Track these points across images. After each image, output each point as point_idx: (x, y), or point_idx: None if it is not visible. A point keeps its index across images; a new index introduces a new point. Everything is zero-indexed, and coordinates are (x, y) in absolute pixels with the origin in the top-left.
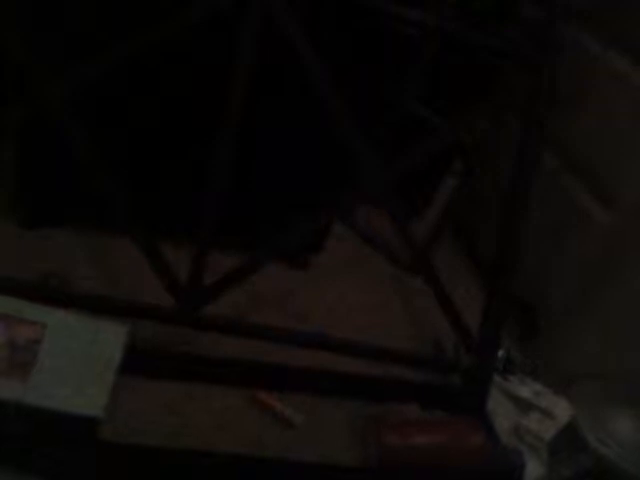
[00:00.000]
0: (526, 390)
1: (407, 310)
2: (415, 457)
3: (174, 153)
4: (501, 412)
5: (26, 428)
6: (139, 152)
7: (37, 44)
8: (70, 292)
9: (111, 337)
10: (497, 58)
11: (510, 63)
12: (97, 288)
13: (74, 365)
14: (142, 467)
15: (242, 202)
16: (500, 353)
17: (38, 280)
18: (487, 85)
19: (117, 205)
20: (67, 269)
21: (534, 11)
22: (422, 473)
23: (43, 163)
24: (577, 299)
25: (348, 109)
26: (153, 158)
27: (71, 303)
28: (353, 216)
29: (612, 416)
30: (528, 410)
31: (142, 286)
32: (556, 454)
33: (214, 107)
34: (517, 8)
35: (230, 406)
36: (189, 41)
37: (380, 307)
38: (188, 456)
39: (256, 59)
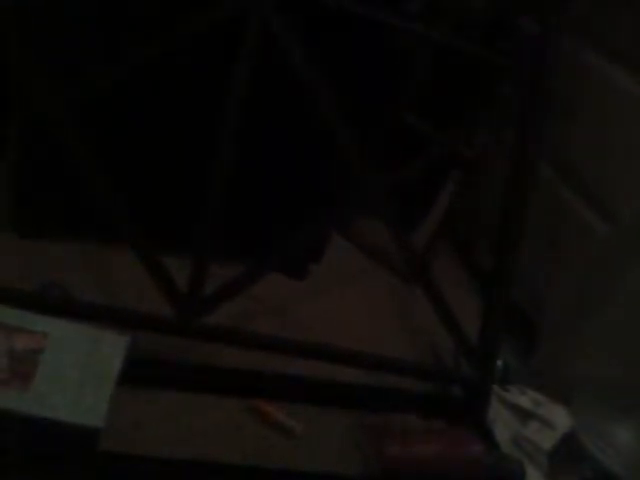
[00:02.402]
0: (526, 400)
1: (406, 320)
2: (415, 467)
3: (174, 163)
4: (501, 422)
5: (26, 438)
6: (139, 162)
7: (37, 55)
8: (70, 302)
9: (111, 347)
10: (493, 69)
11: (506, 74)
12: (97, 298)
13: (74, 375)
14: (142, 477)
15: (242, 212)
16: (499, 363)
17: (38, 290)
18: (483, 96)
19: (117, 215)
20: (67, 279)
21: (530, 22)
22: None
23: (43, 173)
24: (575, 309)
25: (345, 121)
26: (153, 168)
27: (71, 313)
28: (351, 227)
29: (612, 425)
30: (528, 420)
31: (142, 296)
32: (556, 463)
33: (214, 117)
34: (513, 20)
35: (230, 416)
36: (187, 54)
37: (379, 317)
38: (188, 466)
39: (255, 69)
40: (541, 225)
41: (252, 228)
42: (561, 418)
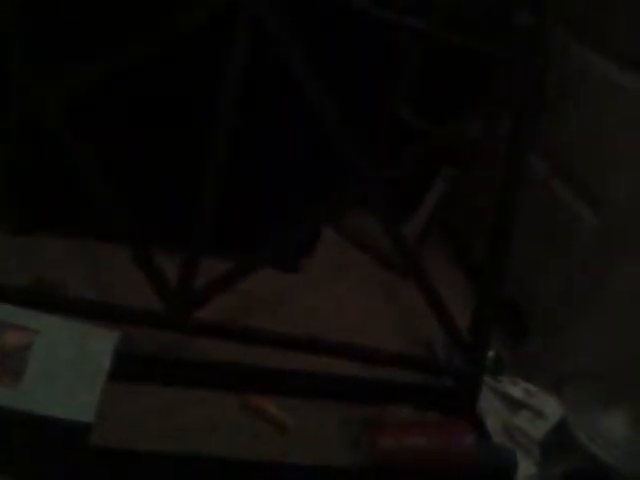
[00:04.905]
0: (517, 390)
1: (398, 313)
2: (408, 458)
3: (166, 158)
4: (492, 412)
5: (17, 434)
6: (131, 157)
7: (33, 48)
8: (61, 298)
9: (102, 342)
10: (487, 64)
11: (499, 68)
12: (88, 293)
13: (64, 371)
14: (134, 473)
15: (234, 207)
16: (490, 354)
17: (29, 286)
18: (477, 90)
19: (109, 210)
20: (58, 275)
21: (524, 17)
22: (415, 474)
23: (35, 168)
24: (567, 300)
25: (338, 114)
26: (145, 162)
27: (62, 309)
28: (344, 220)
29: (603, 415)
30: (519, 410)
31: (133, 291)
32: (547, 453)
33: (207, 112)
34: (507, 14)
35: (222, 410)
36: (182, 47)
37: (371, 310)
38: (180, 461)
39: (249, 63)
40: (533, 218)
41: (244, 222)
42: (552, 408)
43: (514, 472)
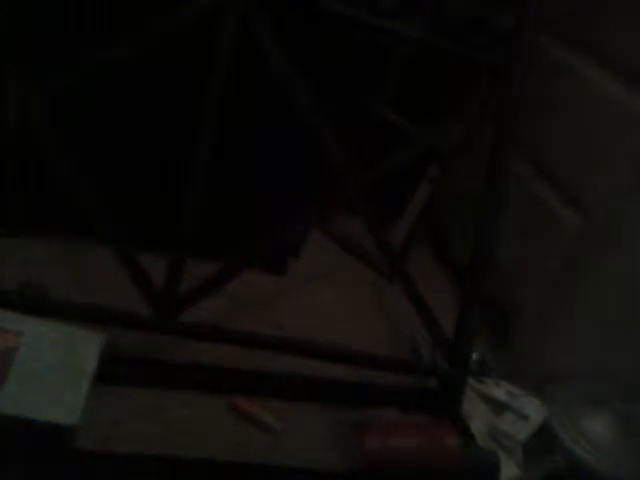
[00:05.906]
0: (500, 392)
1: (384, 315)
2: (393, 459)
3: (150, 160)
4: (476, 414)
5: (2, 437)
6: (118, 161)
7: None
8: (47, 301)
9: (87, 345)
10: (468, 65)
11: (481, 70)
12: (74, 297)
13: (50, 373)
14: (120, 475)
15: (220, 208)
16: (474, 356)
17: (15, 289)
18: (459, 92)
19: (94, 214)
20: (44, 278)
21: (505, 19)
22: (401, 475)
23: (20, 172)
24: (549, 301)
25: (323, 117)
26: (130, 166)
27: (48, 312)
28: (330, 223)
29: (585, 416)
30: (503, 411)
31: (120, 294)
32: (531, 455)
33: (191, 114)
34: (488, 16)
35: (210, 413)
36: (168, 52)
37: (358, 313)
38: (167, 463)
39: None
40: (517, 219)
41: (231, 224)
42: (535, 410)
43: (498, 474)
